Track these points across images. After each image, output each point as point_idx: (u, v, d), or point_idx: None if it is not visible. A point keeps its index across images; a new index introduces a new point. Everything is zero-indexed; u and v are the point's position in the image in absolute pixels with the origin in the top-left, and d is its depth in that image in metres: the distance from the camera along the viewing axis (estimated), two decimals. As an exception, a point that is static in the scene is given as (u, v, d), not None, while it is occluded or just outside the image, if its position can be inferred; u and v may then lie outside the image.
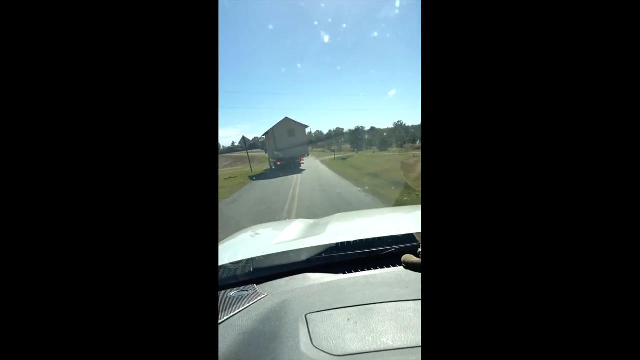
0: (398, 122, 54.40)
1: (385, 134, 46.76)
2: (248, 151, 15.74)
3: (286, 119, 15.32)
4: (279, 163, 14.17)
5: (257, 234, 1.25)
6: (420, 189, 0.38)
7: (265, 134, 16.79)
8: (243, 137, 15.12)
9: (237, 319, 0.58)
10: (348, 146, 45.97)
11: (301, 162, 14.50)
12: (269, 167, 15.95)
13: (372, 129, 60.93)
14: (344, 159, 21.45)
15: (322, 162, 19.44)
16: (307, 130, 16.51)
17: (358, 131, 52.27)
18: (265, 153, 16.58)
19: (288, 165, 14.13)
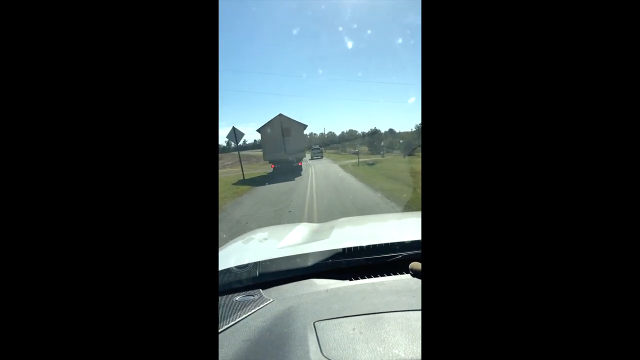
0: (420, 124, 48.93)
1: (409, 137, 41.52)
2: (248, 150, 12.30)
3: (280, 115, 13.22)
4: (272, 166, 13.02)
5: (263, 237, 1.23)
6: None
7: (258, 131, 13.88)
8: (233, 129, 10.41)
9: (243, 324, 0.57)
10: (365, 149, 41.09)
11: (299, 165, 13.10)
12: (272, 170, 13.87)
13: (391, 131, 56.68)
14: (370, 164, 16.56)
15: (343, 167, 14.64)
16: (306, 131, 14.80)
17: (377, 133, 47.63)
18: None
19: (284, 169, 12.69)
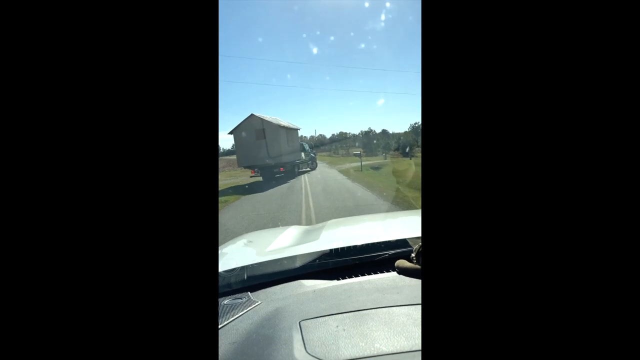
0: (415, 123, 47.00)
1: (408, 137, 38.92)
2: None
3: (252, 116, 11.38)
4: (252, 172, 11.60)
5: (251, 241, 1.21)
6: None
7: (231, 134, 11.87)
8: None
9: (230, 327, 0.57)
10: (359, 150, 38.39)
11: (281, 170, 11.49)
12: (260, 179, 11.70)
13: (384, 131, 54.63)
14: (375, 168, 13.53)
15: (345, 174, 11.54)
16: (297, 133, 13.44)
17: (370, 134, 45.21)
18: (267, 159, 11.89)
19: (266, 177, 11.29)
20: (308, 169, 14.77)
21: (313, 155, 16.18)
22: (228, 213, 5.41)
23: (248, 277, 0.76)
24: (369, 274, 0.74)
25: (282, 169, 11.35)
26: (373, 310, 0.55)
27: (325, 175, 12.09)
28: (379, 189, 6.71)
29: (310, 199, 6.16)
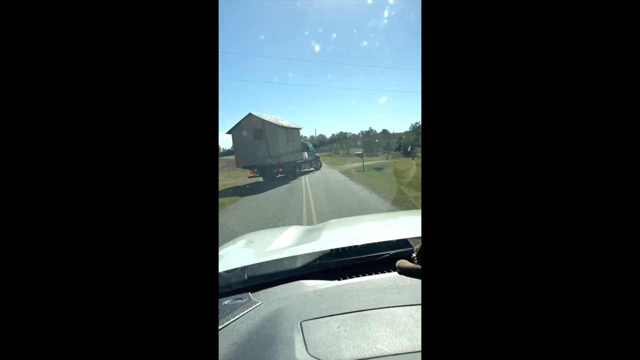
0: (416, 124, 46.73)
1: (409, 136, 38.57)
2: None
3: (250, 115, 11.11)
4: (252, 172, 11.52)
5: (251, 241, 1.17)
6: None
7: (229, 134, 11.65)
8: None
9: (231, 327, 0.57)
10: (361, 150, 38.04)
11: (280, 171, 11.22)
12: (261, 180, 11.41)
13: (385, 131, 54.45)
14: (377, 168, 13.22)
15: (347, 175, 11.24)
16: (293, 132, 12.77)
17: (371, 134, 44.97)
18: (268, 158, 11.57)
19: (267, 177, 11.10)
20: (312, 169, 14.30)
21: (317, 155, 15.77)
22: (224, 217, 5.08)
23: (248, 277, 0.75)
24: (370, 274, 0.73)
25: (280, 170, 11.04)
26: (374, 310, 0.55)
27: (326, 175, 11.76)
28: (383, 191, 6.38)
29: (312, 202, 5.83)
